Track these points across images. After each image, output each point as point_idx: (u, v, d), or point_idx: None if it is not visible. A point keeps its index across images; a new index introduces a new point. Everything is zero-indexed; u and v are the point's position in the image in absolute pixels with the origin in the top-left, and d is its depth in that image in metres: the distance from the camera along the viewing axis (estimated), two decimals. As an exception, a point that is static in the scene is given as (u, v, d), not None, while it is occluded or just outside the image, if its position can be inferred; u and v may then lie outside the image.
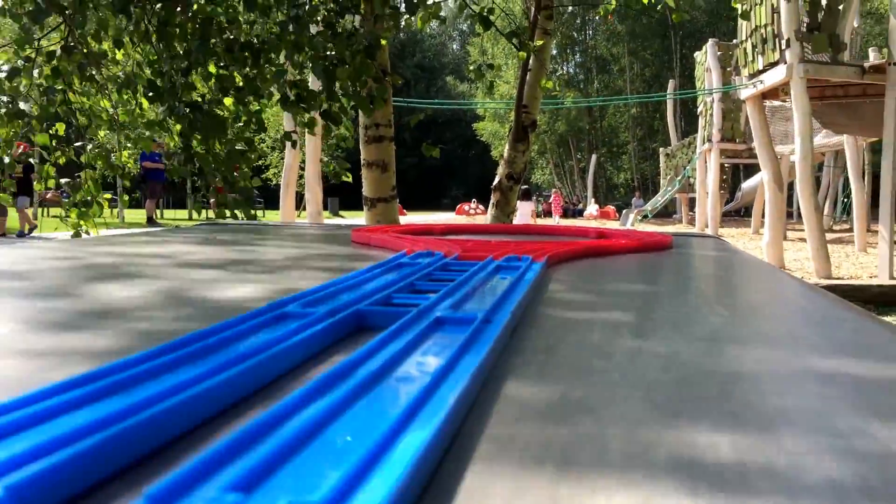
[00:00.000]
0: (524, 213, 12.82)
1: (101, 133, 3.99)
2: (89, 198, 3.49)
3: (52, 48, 3.21)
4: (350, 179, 4.09)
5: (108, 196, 3.72)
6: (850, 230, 12.13)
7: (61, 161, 3.61)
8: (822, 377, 0.47)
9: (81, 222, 3.48)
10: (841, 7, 6.72)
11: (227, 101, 3.30)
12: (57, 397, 0.35)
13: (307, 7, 2.97)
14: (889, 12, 6.76)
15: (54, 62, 3.08)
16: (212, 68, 3.20)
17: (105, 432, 0.30)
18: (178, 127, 3.07)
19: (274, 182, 17.74)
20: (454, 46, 47.89)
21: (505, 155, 5.07)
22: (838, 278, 6.82)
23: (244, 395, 0.41)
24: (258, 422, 0.32)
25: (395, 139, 4.25)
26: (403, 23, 3.18)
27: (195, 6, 3.06)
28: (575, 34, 30.99)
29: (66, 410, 0.34)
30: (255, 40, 3.15)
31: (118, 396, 0.37)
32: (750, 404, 0.41)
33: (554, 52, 28.42)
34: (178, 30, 3.02)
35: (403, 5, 3.14)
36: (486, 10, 3.57)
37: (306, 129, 3.36)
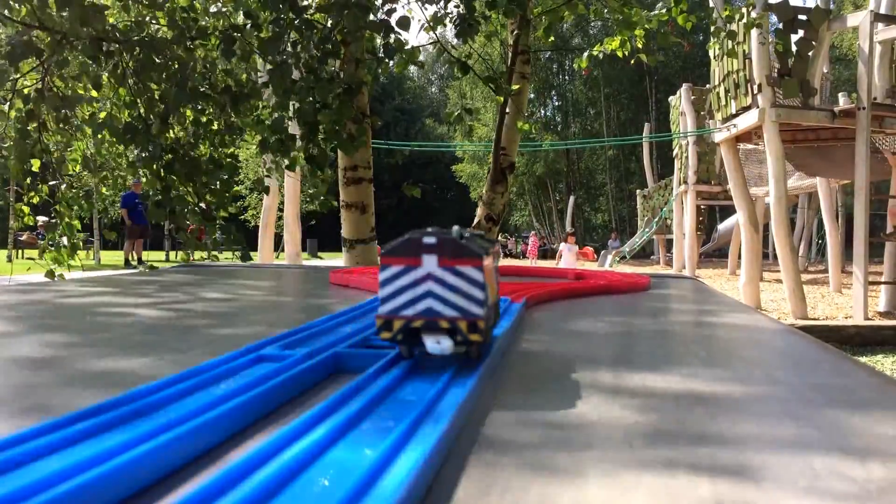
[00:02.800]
0: (569, 259, 11.12)
1: (77, 169, 3.95)
2: (65, 238, 3.44)
3: (28, 89, 3.20)
4: (334, 205, 4.06)
5: (82, 236, 3.67)
6: (825, 271, 12.29)
7: (35, 200, 3.57)
8: (799, 418, 0.48)
9: (55, 264, 3.42)
10: (810, 53, 6.89)
11: (204, 146, 3.29)
12: (27, 444, 0.35)
13: (291, 54, 2.99)
14: (857, 58, 6.93)
15: (29, 105, 3.07)
16: (189, 114, 3.19)
17: (75, 481, 0.29)
18: (153, 168, 3.05)
19: (252, 223, 17.71)
20: (433, 90, 48.40)
21: (484, 196, 5.10)
22: (814, 319, 6.89)
23: (220, 441, 0.40)
24: (234, 467, 0.31)
25: (374, 181, 4.26)
26: (381, 68, 3.20)
27: (173, 51, 3.07)
28: (552, 78, 31.49)
29: (36, 458, 0.34)
30: (234, 86, 3.16)
31: (88, 443, 0.36)
32: (727, 445, 0.41)
33: (532, 95, 28.83)
34: (154, 74, 3.02)
35: (382, 51, 3.17)
36: (464, 55, 3.62)
37: (286, 171, 3.37)
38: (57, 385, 0.55)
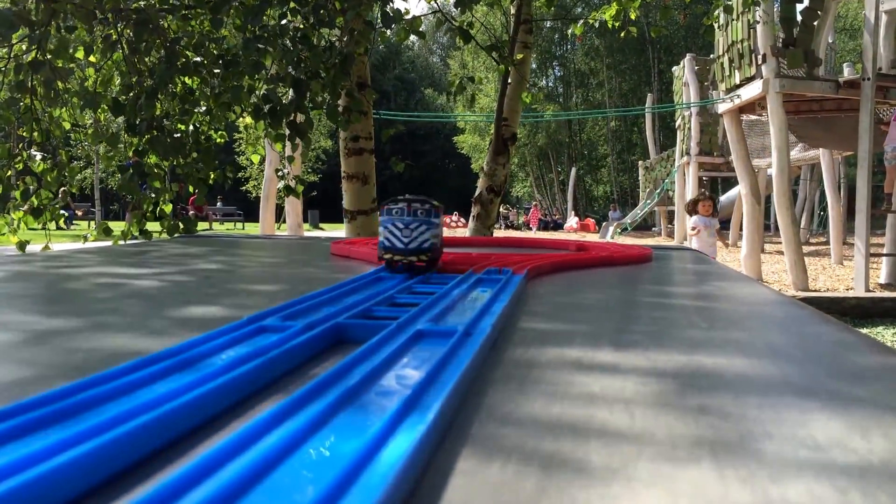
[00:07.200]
0: (705, 237, 6.61)
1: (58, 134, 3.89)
2: (40, 206, 3.39)
3: (21, 58, 3.16)
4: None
5: (60, 205, 3.61)
6: (827, 243, 12.28)
7: (18, 167, 3.52)
8: (800, 389, 0.48)
9: (23, 223, 3.35)
10: (815, 23, 6.82)
11: (190, 122, 3.27)
12: (28, 414, 0.35)
13: (276, 25, 2.95)
14: (863, 28, 6.87)
15: (20, 76, 3.04)
16: (178, 89, 3.17)
17: (77, 450, 0.29)
18: (134, 141, 3.03)
19: (254, 194, 17.69)
20: (434, 59, 48.04)
21: (485, 168, 5.08)
22: (815, 290, 6.89)
23: (221, 410, 0.40)
24: (235, 437, 0.31)
25: (375, 151, 4.25)
26: (379, 37, 3.17)
27: (167, 22, 3.04)
28: (554, 48, 31.24)
29: (39, 427, 0.34)
30: (226, 54, 3.13)
31: (90, 413, 0.36)
32: (729, 417, 0.41)
33: (534, 65, 28.62)
34: (145, 45, 3.00)
35: (380, 20, 3.13)
36: (466, 23, 3.58)
37: (287, 142, 3.34)
38: (52, 359, 0.55)
